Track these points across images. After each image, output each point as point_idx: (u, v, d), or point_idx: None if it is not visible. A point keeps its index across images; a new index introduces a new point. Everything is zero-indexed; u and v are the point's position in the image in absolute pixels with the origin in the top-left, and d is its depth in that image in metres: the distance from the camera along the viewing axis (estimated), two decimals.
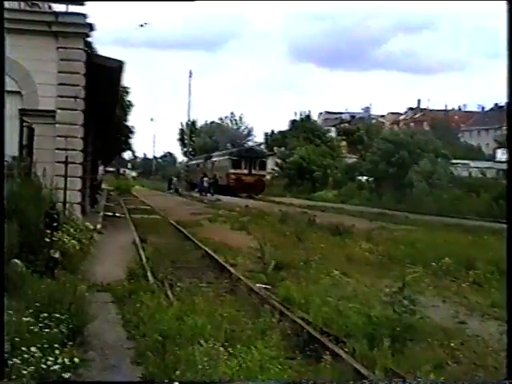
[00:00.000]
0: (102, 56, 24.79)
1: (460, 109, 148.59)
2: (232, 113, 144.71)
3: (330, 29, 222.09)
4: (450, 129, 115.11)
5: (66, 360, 7.30)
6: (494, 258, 17.48)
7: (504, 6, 5.99)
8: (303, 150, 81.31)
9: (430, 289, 13.99)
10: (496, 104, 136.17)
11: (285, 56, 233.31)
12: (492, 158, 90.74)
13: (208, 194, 65.45)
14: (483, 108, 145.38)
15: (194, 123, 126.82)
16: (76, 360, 7.52)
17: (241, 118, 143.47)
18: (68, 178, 20.56)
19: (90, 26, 21.35)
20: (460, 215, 39.90)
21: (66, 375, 7.12)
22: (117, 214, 33.42)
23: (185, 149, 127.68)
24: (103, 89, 24.10)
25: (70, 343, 8.03)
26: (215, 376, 6.98)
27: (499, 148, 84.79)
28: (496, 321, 11.49)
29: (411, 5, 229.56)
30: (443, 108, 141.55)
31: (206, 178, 72.45)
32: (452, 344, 9.50)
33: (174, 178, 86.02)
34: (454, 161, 71.19)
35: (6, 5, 20.99)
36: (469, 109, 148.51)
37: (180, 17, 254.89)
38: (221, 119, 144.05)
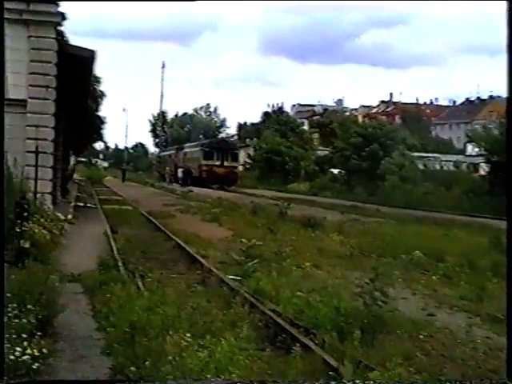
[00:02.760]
0: (73, 45, 24.62)
1: (432, 103, 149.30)
2: (208, 104, 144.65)
3: (303, 23, 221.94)
4: (421, 122, 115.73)
5: (34, 351, 7.26)
6: (464, 252, 17.67)
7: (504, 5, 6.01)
8: (275, 142, 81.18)
9: (399, 281, 14.06)
10: (467, 99, 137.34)
11: (258, 49, 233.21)
12: (463, 152, 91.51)
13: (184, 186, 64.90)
14: (454, 102, 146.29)
15: (164, 114, 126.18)
16: (45, 351, 7.49)
17: (215, 110, 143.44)
18: (39, 168, 20.43)
19: (62, 15, 21.17)
20: (431, 208, 40.04)
21: (35, 366, 7.09)
22: (88, 205, 33.28)
23: (157, 140, 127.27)
24: (75, 78, 23.91)
25: (40, 334, 7.98)
26: (185, 367, 6.99)
27: (469, 142, 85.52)
28: (464, 313, 11.63)
29: None
30: (415, 102, 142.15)
31: (182, 169, 72.15)
32: (421, 336, 9.57)
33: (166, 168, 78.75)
34: (424, 154, 71.68)
35: None
36: (440, 103, 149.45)
37: (154, 9, 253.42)
38: (195, 110, 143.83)
